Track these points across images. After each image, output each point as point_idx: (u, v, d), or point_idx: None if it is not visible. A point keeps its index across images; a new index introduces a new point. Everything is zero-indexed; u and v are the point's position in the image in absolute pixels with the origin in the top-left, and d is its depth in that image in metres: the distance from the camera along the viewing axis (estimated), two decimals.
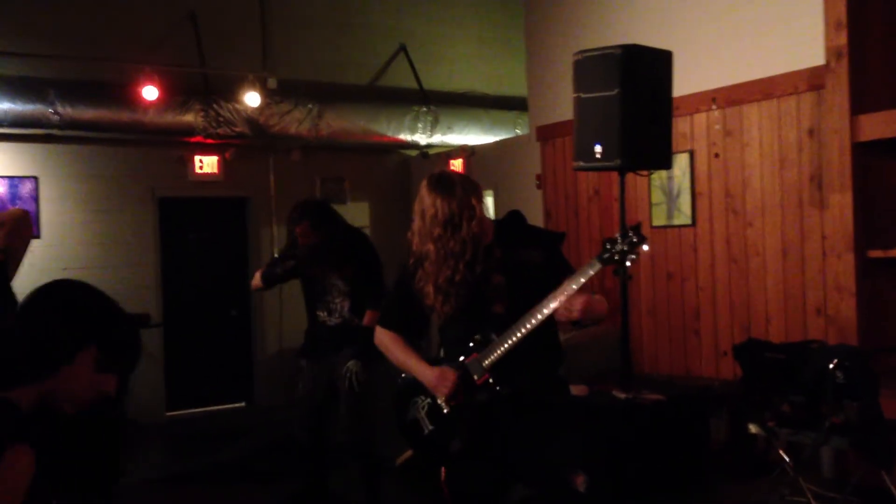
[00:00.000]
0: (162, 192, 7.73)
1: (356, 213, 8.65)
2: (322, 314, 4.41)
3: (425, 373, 2.78)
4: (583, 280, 2.52)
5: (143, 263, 7.59)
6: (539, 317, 2.57)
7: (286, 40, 8.05)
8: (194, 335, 7.98)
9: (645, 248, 2.50)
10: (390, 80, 8.56)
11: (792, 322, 4.87)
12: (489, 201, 7.85)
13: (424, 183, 2.82)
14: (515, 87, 8.32)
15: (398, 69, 8.59)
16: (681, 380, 5.33)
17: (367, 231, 8.66)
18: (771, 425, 3.21)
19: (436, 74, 8.73)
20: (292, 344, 7.95)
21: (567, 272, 2.68)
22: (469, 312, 2.71)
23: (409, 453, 4.96)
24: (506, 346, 2.64)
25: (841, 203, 4.20)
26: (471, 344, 2.72)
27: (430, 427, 2.79)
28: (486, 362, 2.68)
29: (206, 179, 7.87)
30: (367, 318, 4.33)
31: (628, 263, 2.51)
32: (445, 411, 2.76)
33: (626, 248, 2.50)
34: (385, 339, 2.94)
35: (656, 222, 5.70)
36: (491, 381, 2.68)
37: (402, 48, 8.58)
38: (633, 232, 2.51)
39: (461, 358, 2.73)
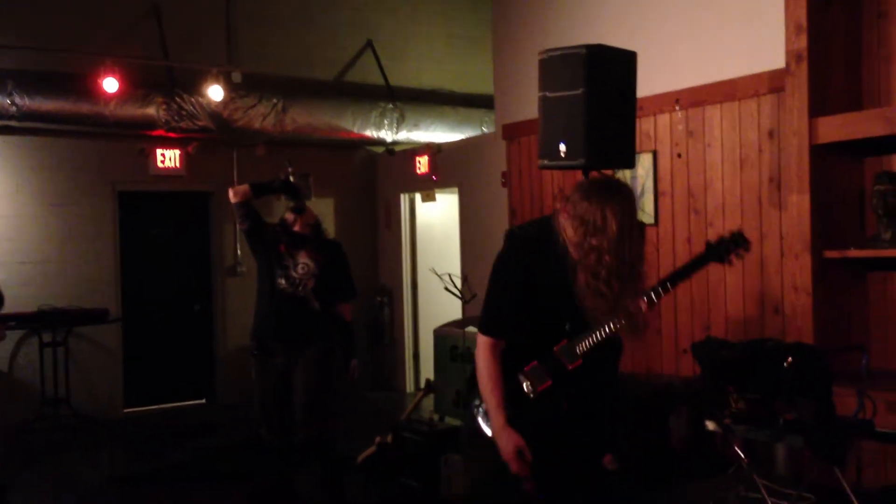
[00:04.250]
0: (122, 186, 7.62)
1: (321, 209, 8.59)
2: (282, 282, 4.34)
3: (498, 431, 2.61)
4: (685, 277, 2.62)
5: (102, 258, 7.48)
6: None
7: (251, 34, 7.98)
8: (154, 331, 7.89)
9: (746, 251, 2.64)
10: (357, 77, 8.53)
11: (750, 321, 4.94)
12: (453, 199, 7.86)
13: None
14: (482, 85, 8.33)
15: (365, 65, 8.56)
16: (642, 377, 5.38)
17: (332, 226, 8.64)
18: (727, 423, 3.25)
19: (403, 71, 8.71)
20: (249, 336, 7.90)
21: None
22: (559, 307, 2.64)
23: (371, 450, 4.95)
24: (601, 333, 2.60)
25: (798, 204, 4.26)
26: (565, 330, 2.65)
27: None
28: (579, 349, 2.63)
29: (169, 174, 7.78)
30: (346, 311, 4.50)
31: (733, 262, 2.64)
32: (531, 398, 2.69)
33: (731, 245, 2.63)
34: (487, 355, 2.66)
35: None
36: (581, 368, 2.63)
37: (369, 44, 8.56)
38: (738, 236, 2.64)
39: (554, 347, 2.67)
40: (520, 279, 2.66)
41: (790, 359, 2.92)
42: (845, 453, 3.17)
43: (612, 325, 2.60)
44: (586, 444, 2.74)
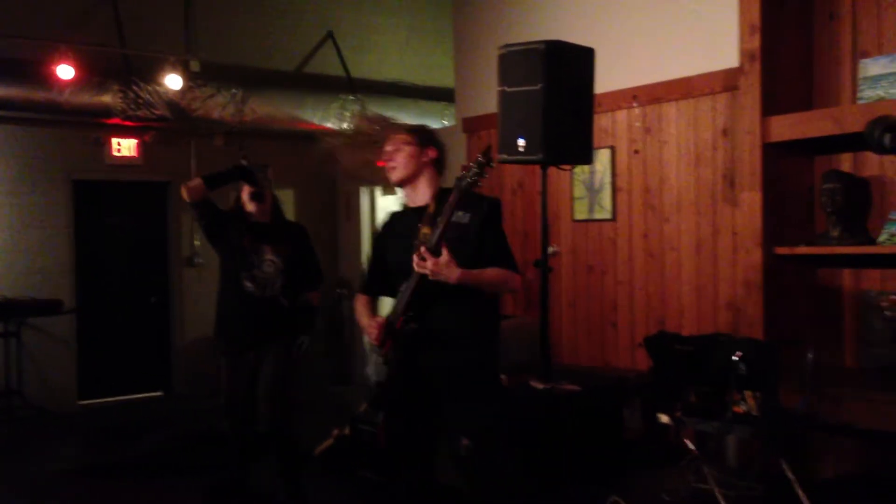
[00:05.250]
0: (77, 175, 7.50)
1: (280, 201, 8.55)
2: (249, 285, 4.22)
3: (363, 322, 3.06)
4: (444, 218, 2.75)
5: (56, 248, 7.36)
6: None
7: (210, 23, 7.89)
8: (111, 322, 7.79)
9: (490, 167, 2.76)
10: (317, 68, 8.47)
11: (704, 315, 5.04)
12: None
13: None
14: (444, 78, 8.33)
15: (326, 57, 8.51)
16: (599, 371, 5.46)
17: (292, 219, 8.59)
18: (678, 415, 3.32)
19: (364, 63, 8.68)
20: (211, 332, 7.83)
21: (494, 238, 2.92)
22: (403, 267, 2.90)
23: (328, 442, 4.94)
24: (410, 287, 2.85)
25: (751, 201, 4.35)
26: (398, 293, 2.93)
27: (375, 378, 2.99)
28: (400, 306, 2.89)
29: (125, 163, 7.67)
30: (314, 298, 4.48)
31: (479, 184, 2.77)
32: (382, 360, 2.96)
33: (477, 171, 2.74)
34: (357, 303, 3.20)
35: (578, 216, 5.81)
36: (409, 324, 2.86)
37: (330, 35, 8.51)
38: (482, 155, 2.76)
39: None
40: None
41: (739, 353, 3.00)
42: (791, 445, 3.26)
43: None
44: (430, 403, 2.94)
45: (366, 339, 3.08)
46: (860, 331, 4.31)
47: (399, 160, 3.01)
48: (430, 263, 2.73)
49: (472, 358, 2.94)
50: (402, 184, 3.06)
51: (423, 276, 2.79)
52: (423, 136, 3.06)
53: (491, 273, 2.89)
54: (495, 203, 3.04)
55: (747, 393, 3.09)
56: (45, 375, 7.22)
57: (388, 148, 3.04)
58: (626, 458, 4.65)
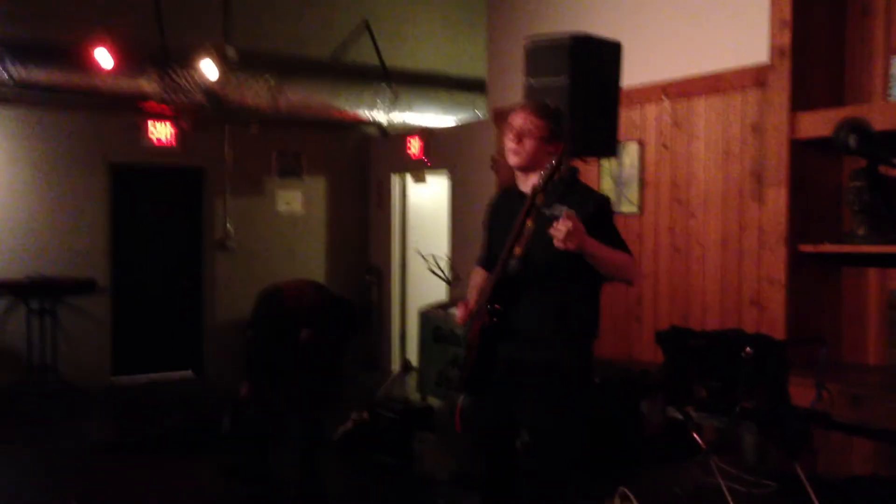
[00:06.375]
0: (115, 159, 7.66)
1: (312, 189, 8.66)
2: None
3: (468, 294, 3.02)
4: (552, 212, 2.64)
5: (93, 229, 7.54)
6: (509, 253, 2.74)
7: (247, 11, 7.98)
8: (144, 303, 7.97)
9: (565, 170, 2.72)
10: (352, 56, 8.54)
11: (727, 312, 5.01)
12: (444, 182, 7.91)
13: None
14: (477, 68, 8.35)
15: (360, 45, 8.56)
16: (621, 364, 5.45)
17: (324, 206, 8.70)
18: (687, 409, 3.33)
19: (398, 52, 8.72)
20: (243, 315, 7.96)
21: (607, 233, 2.81)
22: (499, 250, 2.85)
23: (347, 426, 5.03)
24: (493, 282, 2.78)
25: (777, 198, 4.31)
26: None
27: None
28: (484, 297, 2.82)
29: (161, 148, 7.82)
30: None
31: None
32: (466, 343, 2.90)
33: (551, 171, 2.66)
34: (473, 274, 3.16)
35: None
36: (492, 318, 2.78)
37: (365, 24, 8.56)
38: (560, 158, 2.70)
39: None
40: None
41: (748, 349, 3.00)
42: (800, 442, 3.25)
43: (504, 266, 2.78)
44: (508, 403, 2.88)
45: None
46: (885, 330, 4.26)
47: (527, 147, 2.89)
48: (570, 224, 2.56)
49: (556, 357, 2.85)
50: (519, 168, 2.96)
51: (504, 269, 2.75)
52: (556, 131, 2.93)
53: (613, 252, 2.77)
54: (602, 200, 2.97)
55: (758, 389, 3.08)
56: (80, 353, 7.42)
57: (518, 126, 2.91)
58: (643, 451, 4.65)
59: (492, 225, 3.11)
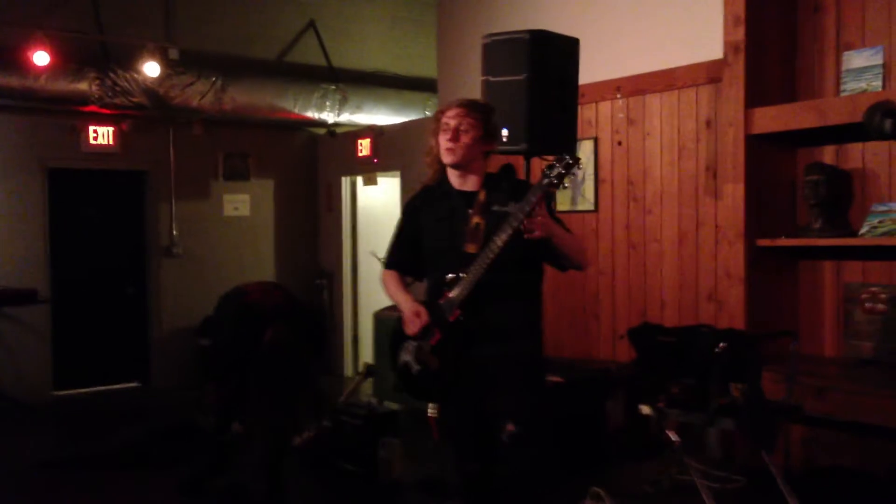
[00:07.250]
0: (53, 163, 7.38)
1: (260, 192, 8.48)
2: None
3: (405, 307, 2.91)
4: (527, 208, 2.67)
5: (30, 237, 7.24)
6: (495, 249, 2.71)
7: (190, 10, 7.78)
8: (86, 312, 7.68)
9: (579, 168, 2.74)
10: (299, 57, 8.39)
11: (685, 307, 5.04)
12: (395, 182, 7.81)
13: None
14: (426, 68, 8.28)
15: (307, 45, 8.42)
16: (582, 363, 5.44)
17: (272, 209, 8.53)
18: (660, 406, 3.31)
19: (346, 52, 8.60)
20: (190, 323, 7.76)
21: (555, 221, 2.86)
22: (447, 253, 2.84)
23: (308, 434, 4.90)
24: (471, 281, 2.75)
25: (733, 193, 4.34)
26: (445, 284, 2.82)
27: (417, 367, 2.88)
28: (457, 299, 2.78)
29: (101, 151, 7.55)
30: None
31: (567, 184, 2.72)
32: (426, 349, 2.86)
33: (562, 171, 2.67)
34: (385, 276, 3.09)
35: (561, 207, 5.77)
36: (462, 318, 2.78)
37: (312, 24, 8.42)
38: (569, 156, 2.70)
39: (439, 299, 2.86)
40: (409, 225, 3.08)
41: (722, 344, 2.99)
42: (774, 437, 3.26)
43: (483, 266, 2.74)
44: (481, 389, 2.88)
45: (398, 325, 2.97)
46: (841, 323, 4.32)
47: (463, 143, 2.89)
48: (541, 219, 2.67)
49: (524, 349, 2.93)
50: (454, 166, 2.94)
51: (486, 269, 2.72)
52: (490, 127, 2.95)
53: (572, 236, 2.90)
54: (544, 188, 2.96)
55: (732, 385, 3.08)
56: (19, 366, 7.11)
57: (452, 123, 2.90)
58: (608, 449, 4.64)
59: (419, 225, 3.04)
